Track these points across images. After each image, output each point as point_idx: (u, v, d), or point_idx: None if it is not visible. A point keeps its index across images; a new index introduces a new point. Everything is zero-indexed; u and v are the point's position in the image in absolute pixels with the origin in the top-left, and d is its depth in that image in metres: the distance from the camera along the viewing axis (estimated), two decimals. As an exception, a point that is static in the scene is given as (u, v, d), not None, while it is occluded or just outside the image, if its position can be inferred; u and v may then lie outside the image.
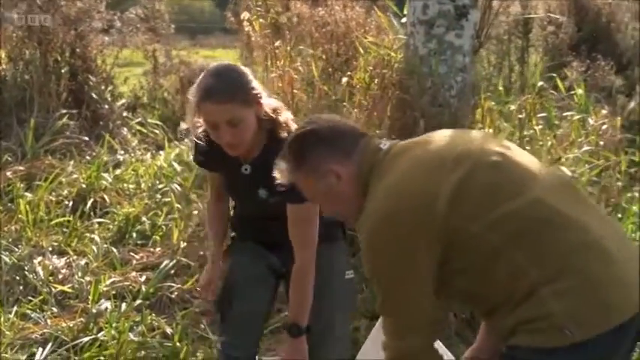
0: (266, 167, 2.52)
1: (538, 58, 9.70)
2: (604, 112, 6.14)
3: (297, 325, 2.79)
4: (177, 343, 3.87)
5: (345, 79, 4.80)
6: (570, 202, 2.05)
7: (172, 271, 4.76)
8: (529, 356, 1.96)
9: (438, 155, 2.11)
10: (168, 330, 4.13)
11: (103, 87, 7.80)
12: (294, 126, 2.68)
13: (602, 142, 5.77)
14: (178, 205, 5.35)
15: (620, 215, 5.39)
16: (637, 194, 5.75)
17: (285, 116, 2.72)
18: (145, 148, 7.53)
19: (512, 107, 5.33)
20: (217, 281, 3.01)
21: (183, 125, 2.80)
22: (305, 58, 5.21)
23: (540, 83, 6.05)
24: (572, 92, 6.77)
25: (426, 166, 2.09)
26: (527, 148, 4.78)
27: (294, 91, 4.74)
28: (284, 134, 2.64)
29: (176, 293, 4.55)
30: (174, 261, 4.80)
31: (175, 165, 6.42)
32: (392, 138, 4.47)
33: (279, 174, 2.28)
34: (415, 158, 2.12)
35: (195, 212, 5.29)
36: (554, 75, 7.51)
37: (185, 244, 4.96)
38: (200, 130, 2.72)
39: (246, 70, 2.71)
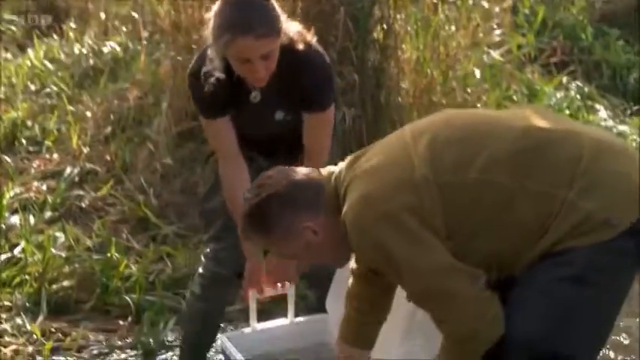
0: (282, 87, 2.48)
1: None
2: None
3: None
4: (115, 255, 3.59)
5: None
6: (552, 121, 2.04)
7: (77, 179, 4.41)
8: (588, 254, 1.89)
9: (395, 139, 2.05)
10: (89, 242, 3.84)
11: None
12: (306, 34, 2.49)
13: (495, 25, 5.77)
14: (71, 108, 4.92)
15: (515, 98, 5.47)
16: (530, 75, 5.83)
17: (294, 27, 2.48)
18: (5, 47, 6.88)
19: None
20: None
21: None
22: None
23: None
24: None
25: (389, 149, 2.02)
26: (443, 32, 4.70)
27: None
28: (300, 46, 2.44)
29: (87, 202, 4.22)
30: (78, 168, 4.45)
31: (47, 64, 5.91)
32: (307, 26, 4.24)
33: (249, 243, 2.17)
34: (375, 150, 2.05)
35: (89, 114, 4.90)
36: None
37: (88, 148, 4.59)
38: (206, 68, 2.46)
39: None
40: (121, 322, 3.43)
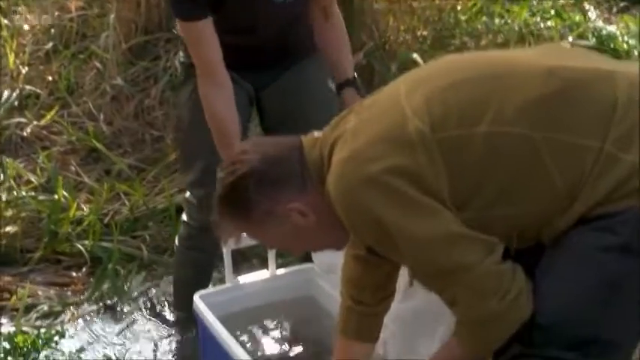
0: None
1: None
2: None
3: (350, 79, 2.44)
4: (64, 195, 3.15)
5: None
6: (580, 58, 1.67)
7: (17, 104, 3.92)
8: (635, 218, 1.51)
9: (386, 93, 1.70)
10: (33, 179, 3.40)
11: None
12: None
13: None
14: (6, 21, 4.36)
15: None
16: None
17: None
18: None
19: None
20: None
21: None
22: None
23: None
24: None
25: (379, 104, 1.67)
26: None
27: None
28: None
29: (29, 131, 3.75)
30: (17, 91, 3.94)
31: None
32: None
33: (225, 233, 1.84)
34: (361, 107, 1.71)
35: (27, 27, 4.36)
36: None
37: (27, 68, 4.07)
38: None
39: None
40: (74, 274, 3.03)
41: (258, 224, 1.70)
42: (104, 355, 2.44)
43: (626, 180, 1.51)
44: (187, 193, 2.55)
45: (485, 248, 1.54)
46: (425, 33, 4.32)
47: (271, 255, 2.53)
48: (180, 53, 2.67)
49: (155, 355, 2.62)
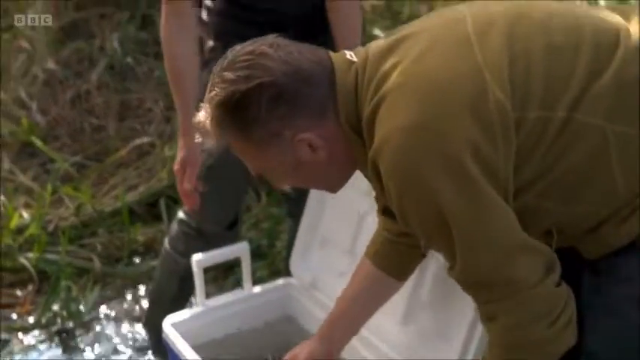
0: None
1: None
2: None
3: None
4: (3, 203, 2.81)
5: None
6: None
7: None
8: None
9: (452, 27, 1.41)
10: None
11: None
12: None
13: None
14: None
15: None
16: None
17: None
18: None
19: None
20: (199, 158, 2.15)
21: None
22: None
23: None
24: None
25: (446, 45, 1.38)
26: None
27: None
28: None
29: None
30: None
31: None
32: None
33: (208, 135, 1.46)
34: (422, 38, 1.41)
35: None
36: None
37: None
38: None
39: None
40: (19, 293, 2.71)
41: (257, 145, 1.43)
42: (69, 391, 2.15)
43: None
44: None
45: (547, 264, 1.36)
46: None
47: (246, 270, 2.27)
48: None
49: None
